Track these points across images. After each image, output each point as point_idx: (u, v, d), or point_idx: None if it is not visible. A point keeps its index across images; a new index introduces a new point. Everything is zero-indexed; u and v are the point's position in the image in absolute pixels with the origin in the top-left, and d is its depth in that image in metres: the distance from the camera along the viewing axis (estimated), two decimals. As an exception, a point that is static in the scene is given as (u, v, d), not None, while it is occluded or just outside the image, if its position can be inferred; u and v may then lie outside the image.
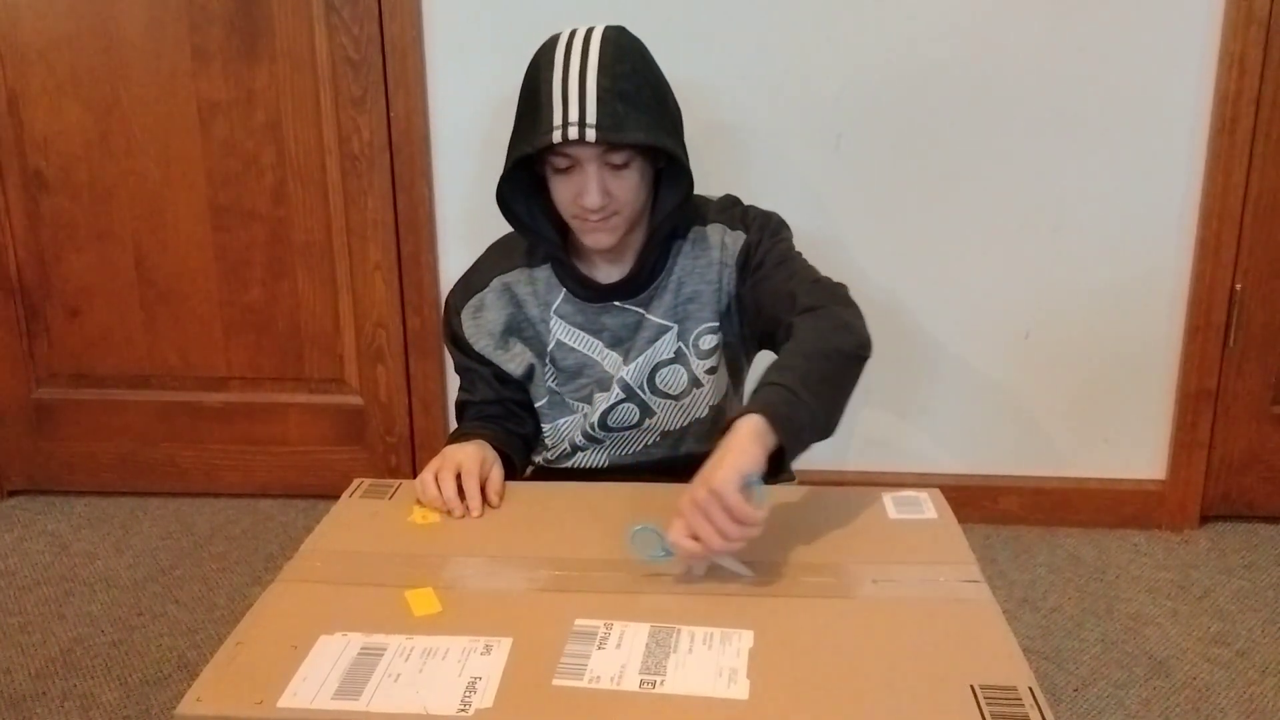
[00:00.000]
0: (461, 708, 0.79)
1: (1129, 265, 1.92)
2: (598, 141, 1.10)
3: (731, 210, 1.28)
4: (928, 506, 1.11)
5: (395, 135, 1.97)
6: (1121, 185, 1.88)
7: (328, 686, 0.82)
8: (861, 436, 2.04)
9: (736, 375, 1.35)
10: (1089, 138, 1.86)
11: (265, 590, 0.97)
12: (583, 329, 1.27)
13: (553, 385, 1.30)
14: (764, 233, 1.24)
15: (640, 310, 1.26)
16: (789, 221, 1.29)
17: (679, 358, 1.27)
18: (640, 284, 1.26)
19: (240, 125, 2.00)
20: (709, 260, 1.25)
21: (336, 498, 1.17)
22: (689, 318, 1.26)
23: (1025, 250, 1.93)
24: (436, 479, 1.13)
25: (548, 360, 1.29)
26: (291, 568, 1.01)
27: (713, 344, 1.27)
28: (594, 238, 1.19)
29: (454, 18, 1.90)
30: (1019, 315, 1.97)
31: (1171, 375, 1.98)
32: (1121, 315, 1.95)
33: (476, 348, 1.29)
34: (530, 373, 1.30)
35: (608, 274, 1.27)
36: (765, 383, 1.02)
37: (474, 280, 1.30)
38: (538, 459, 1.37)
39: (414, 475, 1.19)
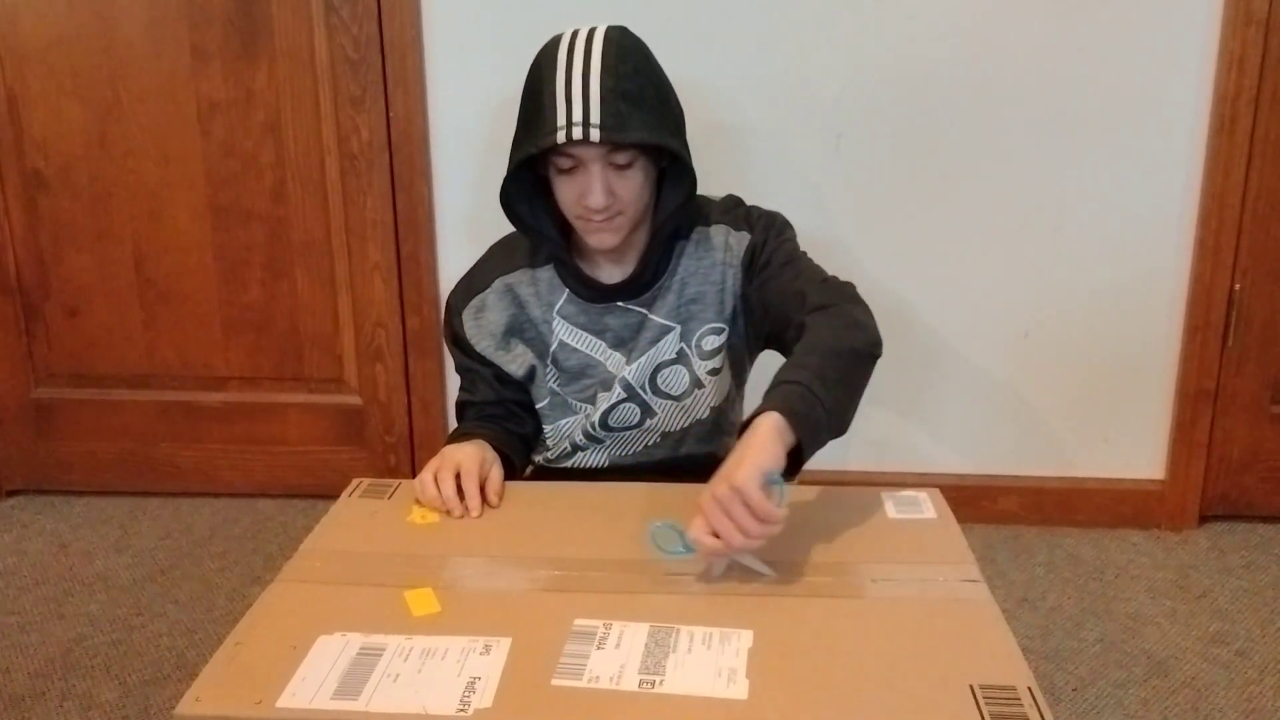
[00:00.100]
0: (460, 708, 0.79)
1: (1128, 265, 1.92)
2: (602, 141, 1.10)
3: (735, 211, 1.28)
4: (927, 506, 1.11)
5: (394, 135, 1.97)
6: (1121, 185, 1.88)
7: (327, 686, 0.82)
8: (861, 436, 2.04)
9: (739, 376, 1.35)
10: (1088, 137, 1.86)
11: (264, 590, 0.97)
12: (585, 329, 1.27)
13: (554, 386, 1.30)
14: (769, 233, 1.24)
15: (643, 310, 1.26)
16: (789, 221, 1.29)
17: (681, 358, 1.27)
18: (643, 284, 1.26)
19: (239, 125, 2.00)
20: (713, 261, 1.25)
21: (335, 498, 1.17)
22: (692, 318, 1.26)
23: (1024, 250, 1.93)
24: (436, 479, 1.13)
25: (549, 361, 1.29)
26: (290, 568, 1.01)
27: (716, 345, 1.27)
28: (598, 238, 1.19)
29: (453, 17, 1.90)
30: (1018, 315, 1.97)
31: (1171, 375, 1.98)
32: (1121, 315, 1.95)
33: (478, 348, 1.29)
34: (531, 374, 1.30)
35: (610, 274, 1.27)
36: (781, 381, 1.02)
37: (476, 280, 1.30)
38: (538, 458, 1.37)
39: (413, 475, 1.19)
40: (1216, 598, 1.82)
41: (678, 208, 1.21)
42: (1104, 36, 1.81)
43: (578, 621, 0.89)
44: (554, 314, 1.28)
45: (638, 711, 0.79)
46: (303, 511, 2.15)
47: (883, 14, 1.83)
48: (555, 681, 0.82)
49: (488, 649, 0.86)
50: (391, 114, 1.96)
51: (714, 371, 1.28)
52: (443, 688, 0.81)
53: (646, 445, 1.32)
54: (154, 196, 2.05)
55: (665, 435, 1.31)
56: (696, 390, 1.28)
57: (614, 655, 0.85)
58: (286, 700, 0.80)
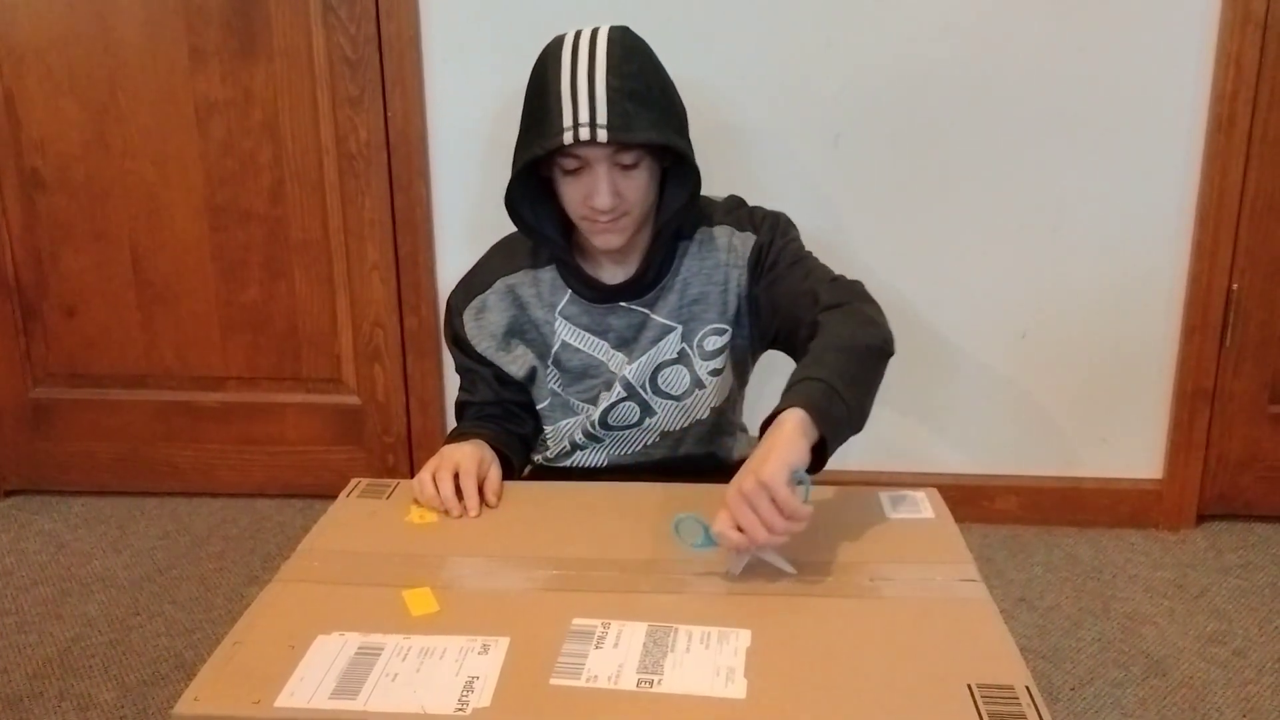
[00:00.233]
0: (459, 707, 0.79)
1: (1126, 265, 1.92)
2: (609, 142, 1.10)
3: (738, 211, 1.28)
4: (925, 506, 1.11)
5: (393, 135, 1.97)
6: (1119, 185, 1.88)
7: (325, 686, 0.82)
8: (859, 435, 2.04)
9: (741, 377, 1.35)
10: (1087, 137, 1.86)
11: (263, 590, 0.97)
12: (588, 330, 1.27)
13: (555, 387, 1.30)
14: (774, 233, 1.25)
15: (645, 311, 1.26)
16: (788, 221, 1.29)
17: (682, 358, 1.27)
18: (646, 285, 1.25)
19: (237, 125, 2.00)
20: (716, 262, 1.25)
21: (334, 497, 1.16)
22: (694, 319, 1.26)
23: (1023, 250, 1.93)
24: (434, 479, 1.13)
25: (550, 362, 1.29)
26: (289, 567, 1.01)
27: (718, 345, 1.27)
28: (603, 239, 1.19)
29: (452, 17, 1.90)
30: (1016, 315, 1.97)
31: (1168, 375, 1.98)
32: (1119, 315, 1.95)
33: (478, 349, 1.29)
34: (532, 375, 1.30)
35: (613, 275, 1.27)
36: (802, 378, 1.02)
37: (477, 281, 1.30)
38: (537, 458, 1.37)
39: (411, 475, 1.19)
40: (1214, 597, 1.82)
41: (681, 208, 1.21)
42: (1102, 36, 1.81)
43: (576, 621, 0.89)
44: (556, 315, 1.28)
45: (636, 711, 0.79)
46: (301, 511, 2.15)
47: (882, 14, 1.83)
48: (554, 681, 0.82)
49: (486, 648, 0.86)
50: (390, 114, 1.95)
51: (715, 372, 1.28)
52: (441, 687, 0.81)
53: (645, 445, 1.32)
54: (152, 196, 2.05)
55: (665, 435, 1.31)
56: (697, 390, 1.28)
57: (612, 655, 0.85)
58: (285, 700, 0.80)
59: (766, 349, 1.32)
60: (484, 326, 1.28)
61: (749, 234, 1.25)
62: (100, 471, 2.22)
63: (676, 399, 1.28)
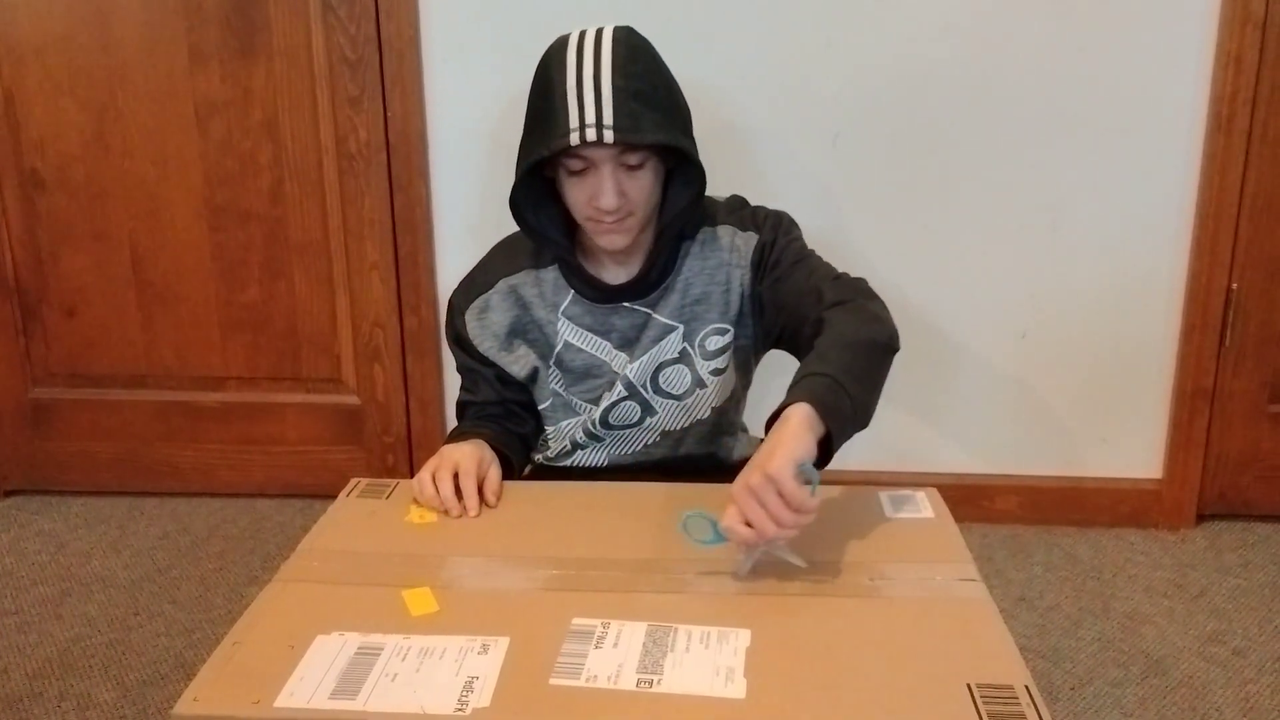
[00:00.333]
0: (459, 707, 0.79)
1: (1126, 265, 1.92)
2: (616, 143, 1.10)
3: (740, 211, 1.28)
4: (924, 505, 1.11)
5: (392, 135, 1.97)
6: (1119, 185, 1.88)
7: (325, 686, 0.82)
8: (858, 435, 2.04)
9: (745, 377, 1.35)
10: (1087, 137, 1.86)
11: (262, 590, 0.97)
12: (591, 330, 1.27)
13: (557, 388, 1.30)
14: (777, 232, 1.25)
15: (648, 310, 1.26)
16: (788, 221, 1.29)
17: (683, 358, 1.27)
18: (649, 285, 1.25)
19: (237, 125, 2.00)
20: (719, 261, 1.25)
21: (333, 497, 1.17)
22: (696, 319, 1.26)
23: (1023, 250, 1.93)
24: (434, 478, 1.13)
25: (553, 362, 1.29)
26: (288, 567, 1.01)
27: (720, 345, 1.27)
28: (608, 239, 1.19)
29: (451, 17, 1.90)
30: (1016, 315, 1.97)
31: (1168, 375, 1.98)
32: (1118, 315, 1.95)
33: (480, 349, 1.29)
34: (534, 375, 1.30)
35: (616, 275, 1.27)
36: (807, 373, 1.02)
37: (479, 281, 1.30)
38: (538, 457, 1.37)
39: (411, 475, 1.19)
40: (1214, 597, 1.82)
41: (685, 208, 1.21)
42: (1102, 36, 1.81)
43: (576, 621, 0.90)
44: (559, 315, 1.27)
45: (636, 710, 0.79)
46: (300, 511, 2.15)
47: (882, 14, 1.83)
48: (553, 681, 0.82)
49: (486, 648, 0.86)
50: (389, 114, 1.95)
51: (717, 371, 1.28)
52: (441, 687, 0.81)
53: (646, 445, 1.32)
54: (151, 196, 2.05)
55: (665, 434, 1.31)
56: (698, 390, 1.28)
57: (612, 654, 0.85)
58: (284, 700, 0.80)
59: (771, 348, 1.32)
60: (486, 326, 1.28)
61: (751, 233, 1.25)
62: (100, 471, 2.22)
63: (677, 398, 1.28)
